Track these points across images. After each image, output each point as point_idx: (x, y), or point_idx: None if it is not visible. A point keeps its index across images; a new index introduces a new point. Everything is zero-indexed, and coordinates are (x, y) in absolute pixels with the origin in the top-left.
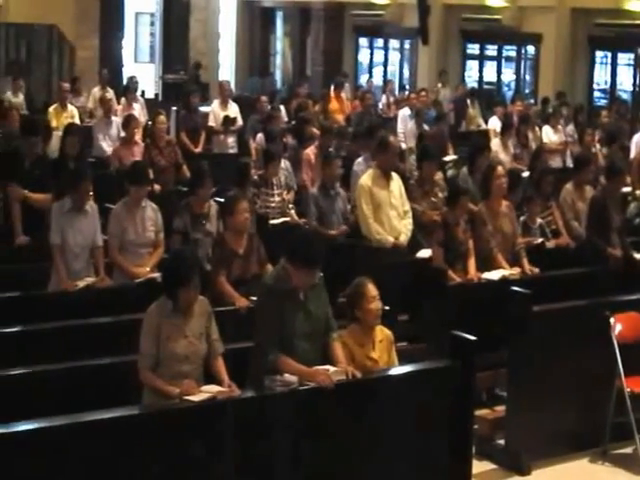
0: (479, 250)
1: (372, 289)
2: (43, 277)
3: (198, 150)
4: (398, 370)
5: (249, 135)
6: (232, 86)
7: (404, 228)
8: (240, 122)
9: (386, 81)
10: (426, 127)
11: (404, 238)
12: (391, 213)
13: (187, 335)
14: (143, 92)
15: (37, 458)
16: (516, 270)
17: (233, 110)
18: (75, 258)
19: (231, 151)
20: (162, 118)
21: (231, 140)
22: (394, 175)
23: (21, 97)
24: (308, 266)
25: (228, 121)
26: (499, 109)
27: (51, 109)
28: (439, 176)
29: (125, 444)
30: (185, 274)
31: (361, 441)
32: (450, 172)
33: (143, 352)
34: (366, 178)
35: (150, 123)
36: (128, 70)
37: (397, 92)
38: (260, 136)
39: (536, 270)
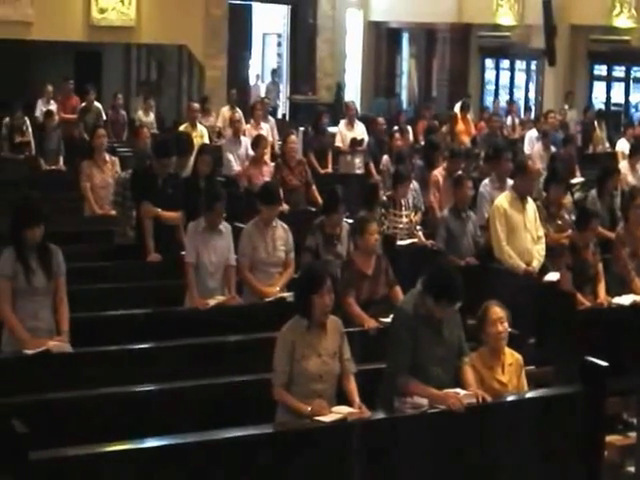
0: (616, 272)
1: (495, 312)
2: (174, 294)
3: (326, 171)
4: (528, 395)
5: (368, 157)
6: (358, 106)
7: (537, 253)
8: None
9: (510, 102)
10: (553, 149)
11: (536, 264)
12: (525, 237)
13: (321, 354)
14: (273, 111)
15: (167, 475)
16: None
17: (359, 130)
18: (210, 276)
19: (358, 171)
20: (293, 138)
21: (358, 161)
22: (529, 199)
23: (152, 116)
24: (450, 301)
25: (355, 143)
26: (629, 131)
27: (181, 128)
28: (567, 199)
29: (254, 462)
30: (317, 278)
31: (489, 465)
32: (577, 194)
33: (277, 369)
34: (502, 200)
35: (280, 143)
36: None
37: (522, 113)
38: (386, 157)
39: None
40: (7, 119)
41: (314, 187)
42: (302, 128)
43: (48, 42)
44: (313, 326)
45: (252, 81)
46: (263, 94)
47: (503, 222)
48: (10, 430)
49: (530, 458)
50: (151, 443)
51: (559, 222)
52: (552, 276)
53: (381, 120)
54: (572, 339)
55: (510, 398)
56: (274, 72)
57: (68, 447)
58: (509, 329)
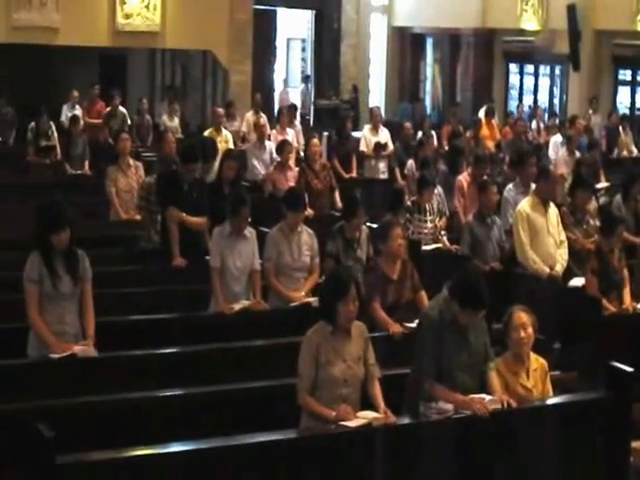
0: None
1: (519, 317)
2: (199, 299)
3: (351, 175)
4: (553, 400)
5: (394, 162)
6: (382, 111)
7: (560, 258)
8: (391, 147)
9: (535, 107)
10: (577, 154)
11: (560, 268)
12: (548, 241)
13: (345, 359)
14: (302, 116)
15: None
16: None
17: (384, 135)
18: (235, 281)
19: (382, 176)
20: (315, 141)
21: (382, 165)
22: (551, 203)
23: (176, 121)
24: (475, 308)
25: (379, 147)
26: None
27: (206, 133)
28: (593, 205)
29: (279, 468)
30: (342, 286)
31: (514, 471)
32: (602, 199)
33: (302, 375)
34: (525, 205)
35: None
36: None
37: (547, 118)
38: (410, 162)
39: None
40: (33, 124)
41: (337, 192)
42: (326, 133)
43: (73, 47)
44: (338, 331)
45: (279, 86)
46: (294, 100)
47: (526, 227)
48: (37, 434)
49: (555, 463)
50: (176, 448)
51: (585, 227)
52: (577, 281)
53: (408, 125)
54: (597, 344)
55: (535, 403)
56: (307, 78)
57: (94, 451)
58: (535, 335)
